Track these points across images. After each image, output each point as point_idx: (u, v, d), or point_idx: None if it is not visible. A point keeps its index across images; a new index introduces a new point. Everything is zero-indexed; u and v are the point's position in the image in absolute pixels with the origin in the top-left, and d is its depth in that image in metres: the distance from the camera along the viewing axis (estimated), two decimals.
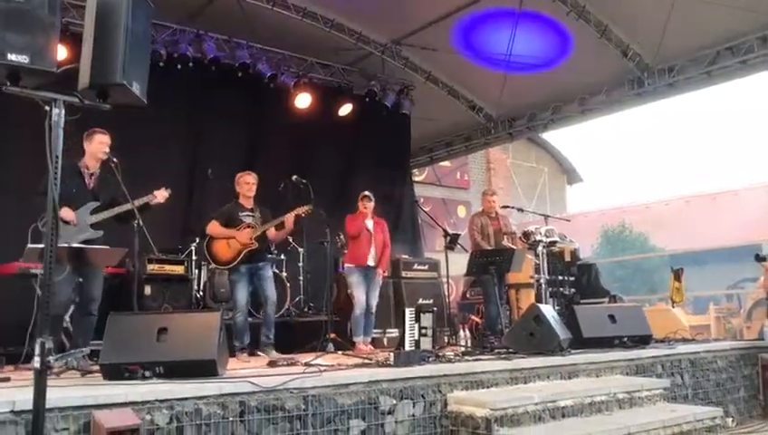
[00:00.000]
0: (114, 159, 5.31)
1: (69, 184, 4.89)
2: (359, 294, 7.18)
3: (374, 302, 7.31)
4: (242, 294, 6.47)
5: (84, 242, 5.12)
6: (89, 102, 2.93)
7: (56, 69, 2.86)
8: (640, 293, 16.78)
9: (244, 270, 6.50)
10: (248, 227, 6.56)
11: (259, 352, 6.39)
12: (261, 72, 9.50)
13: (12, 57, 2.72)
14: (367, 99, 10.64)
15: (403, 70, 10.88)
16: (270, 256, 7.36)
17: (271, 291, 6.62)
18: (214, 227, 6.58)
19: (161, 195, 5.62)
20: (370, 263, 7.28)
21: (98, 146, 5.35)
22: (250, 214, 6.67)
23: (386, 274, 7.74)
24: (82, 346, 4.90)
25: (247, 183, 6.71)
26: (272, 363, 5.27)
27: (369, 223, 7.38)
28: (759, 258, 7.33)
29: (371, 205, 7.40)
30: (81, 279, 5.14)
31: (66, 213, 4.99)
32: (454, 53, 10.13)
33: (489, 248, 7.75)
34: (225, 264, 6.55)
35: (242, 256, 6.45)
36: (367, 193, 7.45)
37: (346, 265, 7.41)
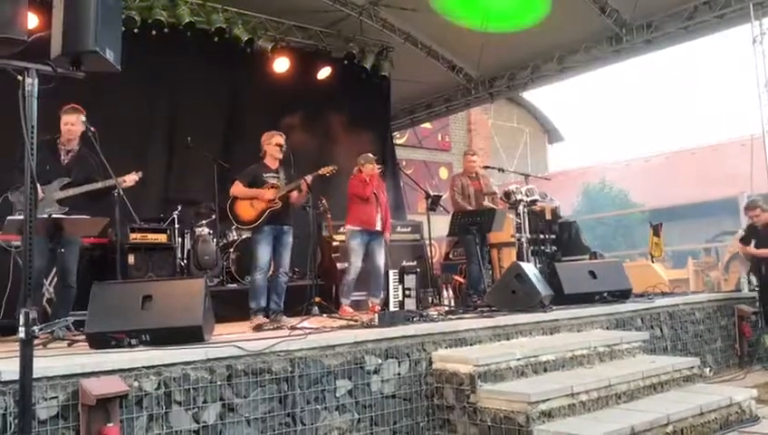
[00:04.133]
0: (92, 128, 5.26)
1: (42, 159, 4.80)
2: (355, 260, 7.05)
3: (381, 263, 7.18)
4: (263, 253, 6.27)
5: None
6: (62, 71, 2.88)
7: (27, 37, 2.81)
8: (621, 249, 17.01)
9: (268, 230, 6.31)
10: (272, 187, 6.38)
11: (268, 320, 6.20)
12: (237, 36, 9.37)
13: None
14: (345, 61, 10.54)
15: (381, 31, 10.76)
16: None
17: (287, 260, 6.49)
18: (238, 188, 6.39)
19: (131, 178, 5.54)
20: (378, 227, 7.18)
21: (62, 127, 5.30)
22: (275, 175, 6.47)
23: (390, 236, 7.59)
24: (63, 317, 4.89)
25: (278, 144, 6.46)
26: (257, 327, 5.31)
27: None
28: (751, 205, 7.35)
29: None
30: (63, 249, 5.11)
31: None
32: (432, 12, 10.02)
33: (470, 209, 7.79)
34: (248, 224, 6.37)
35: (264, 215, 6.26)
36: (374, 157, 7.32)
37: (348, 226, 7.22)
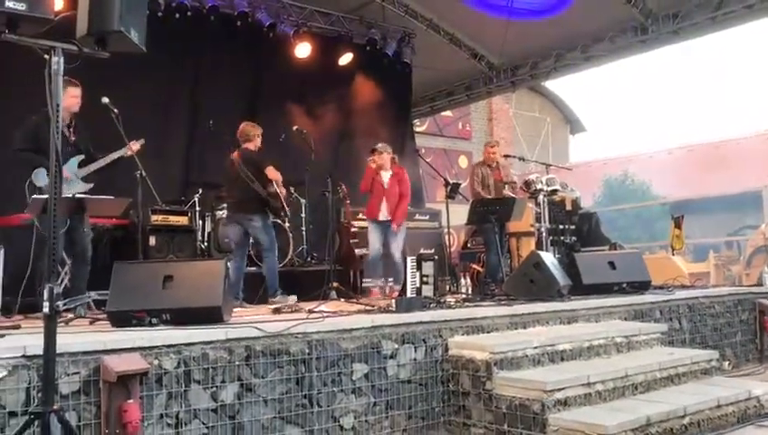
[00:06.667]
0: (115, 110, 5.31)
1: (49, 139, 4.77)
2: (373, 240, 7.34)
3: (394, 251, 7.34)
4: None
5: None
6: (87, 50, 2.92)
7: (53, 16, 2.84)
8: (641, 241, 16.80)
9: None
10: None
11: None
12: (260, 21, 9.40)
13: (9, 4, 2.70)
14: (367, 47, 10.53)
15: (403, 17, 10.72)
16: None
17: None
18: (277, 174, 6.75)
19: (134, 148, 5.57)
20: (381, 217, 7.33)
21: (71, 100, 5.18)
22: None
23: (400, 226, 7.51)
24: (82, 292, 4.95)
25: (261, 136, 6.82)
26: (276, 310, 5.35)
27: (386, 175, 7.43)
28: None
29: (381, 158, 7.43)
30: (85, 229, 5.18)
31: None
32: None
33: (489, 198, 7.77)
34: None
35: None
36: (374, 147, 7.51)
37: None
